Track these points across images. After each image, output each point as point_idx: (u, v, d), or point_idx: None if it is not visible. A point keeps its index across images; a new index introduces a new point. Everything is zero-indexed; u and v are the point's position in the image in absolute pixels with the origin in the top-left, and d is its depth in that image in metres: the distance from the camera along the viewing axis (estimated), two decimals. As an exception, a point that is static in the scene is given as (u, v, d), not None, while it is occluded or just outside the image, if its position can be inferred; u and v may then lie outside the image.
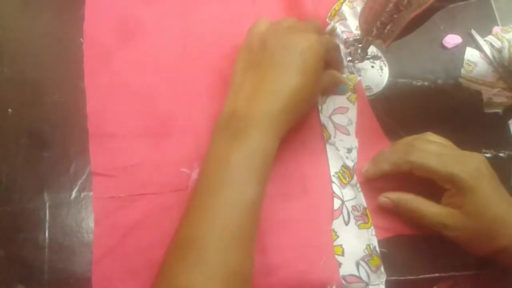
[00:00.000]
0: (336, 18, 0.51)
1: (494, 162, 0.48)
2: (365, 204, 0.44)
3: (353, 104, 0.48)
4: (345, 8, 0.51)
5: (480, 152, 0.50)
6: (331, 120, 0.47)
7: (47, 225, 0.41)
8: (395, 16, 0.40)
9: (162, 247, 0.40)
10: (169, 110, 0.46)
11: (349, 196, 0.45)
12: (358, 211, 0.44)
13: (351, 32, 0.51)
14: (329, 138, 0.46)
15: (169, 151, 0.44)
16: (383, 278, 0.42)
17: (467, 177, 0.39)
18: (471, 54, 0.55)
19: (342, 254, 0.42)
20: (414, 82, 0.52)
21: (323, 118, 0.47)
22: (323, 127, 0.47)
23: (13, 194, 0.41)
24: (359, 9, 0.51)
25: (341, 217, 0.44)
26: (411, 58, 0.53)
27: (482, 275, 0.44)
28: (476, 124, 0.52)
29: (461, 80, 0.54)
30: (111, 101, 0.45)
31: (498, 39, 0.55)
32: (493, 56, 0.54)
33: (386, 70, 0.52)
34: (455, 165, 0.40)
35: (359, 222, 0.44)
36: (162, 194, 0.42)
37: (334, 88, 0.47)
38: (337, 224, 0.43)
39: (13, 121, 0.44)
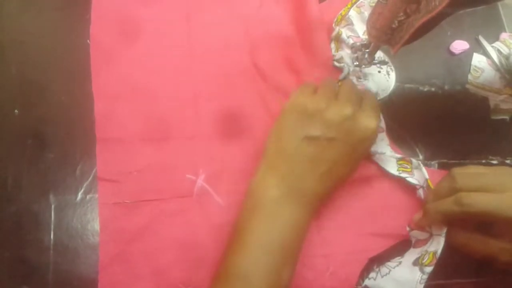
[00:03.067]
0: (343, 23, 0.51)
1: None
2: (427, 175, 0.44)
3: None
4: (352, 13, 0.51)
5: (486, 159, 0.50)
6: None
7: (52, 226, 0.41)
8: (404, 22, 0.40)
9: (168, 252, 0.41)
10: (175, 115, 0.46)
11: (421, 178, 0.45)
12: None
13: (358, 37, 0.51)
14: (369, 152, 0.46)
15: (175, 157, 0.44)
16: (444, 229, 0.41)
17: None
18: (478, 60, 0.55)
19: None
20: (421, 88, 0.52)
21: None
22: None
23: (19, 195, 0.42)
24: (366, 14, 0.51)
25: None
26: (418, 63, 0.53)
27: (485, 281, 0.44)
28: (482, 130, 0.51)
29: (468, 86, 0.53)
30: (118, 106, 0.45)
31: (506, 45, 0.55)
32: (500, 63, 0.54)
33: (393, 75, 0.52)
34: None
35: None
36: (167, 200, 0.42)
37: None
38: None
39: (19, 122, 0.44)
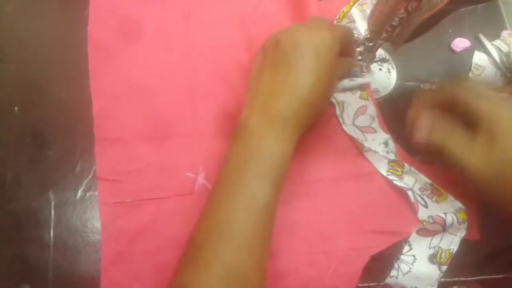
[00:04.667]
0: (345, 20, 0.51)
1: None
2: (429, 180, 0.44)
3: (368, 100, 0.48)
4: (355, 11, 0.51)
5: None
6: (355, 126, 0.47)
7: (52, 224, 0.41)
8: (405, 19, 0.40)
9: (169, 251, 0.40)
10: (174, 114, 0.46)
11: (411, 182, 0.45)
12: (427, 190, 0.45)
13: (360, 35, 0.50)
14: (363, 147, 0.46)
15: (175, 155, 0.44)
16: (462, 233, 0.43)
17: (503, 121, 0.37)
18: (479, 58, 0.54)
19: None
20: (422, 85, 0.52)
21: (348, 128, 0.47)
22: (353, 139, 0.47)
23: (18, 193, 0.42)
24: (369, 12, 0.50)
25: (419, 205, 0.44)
26: (419, 61, 0.53)
27: (493, 280, 0.44)
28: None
29: (469, 84, 0.53)
30: (116, 105, 0.45)
31: (506, 43, 0.55)
32: (501, 60, 0.54)
33: (394, 73, 0.52)
34: (495, 105, 0.38)
35: (434, 198, 0.44)
36: (168, 199, 0.42)
37: (348, 73, 0.47)
38: (421, 212, 0.44)
39: (19, 120, 0.44)
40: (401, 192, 0.45)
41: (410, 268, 0.42)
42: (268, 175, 0.37)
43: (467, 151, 0.38)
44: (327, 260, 0.42)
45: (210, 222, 0.36)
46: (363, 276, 0.42)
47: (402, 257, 0.43)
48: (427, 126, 0.41)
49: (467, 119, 0.39)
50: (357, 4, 0.51)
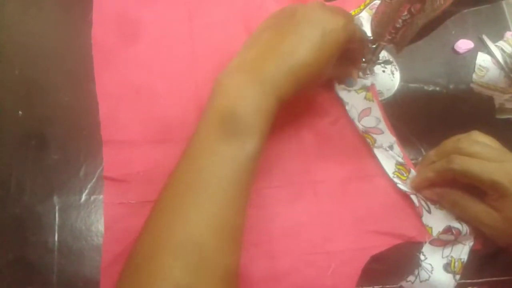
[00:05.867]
0: (352, 23, 0.51)
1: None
2: None
3: (373, 101, 0.48)
4: (364, 15, 0.51)
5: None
6: (362, 125, 0.47)
7: (56, 228, 0.41)
8: (408, 21, 0.40)
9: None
10: (180, 116, 0.46)
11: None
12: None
13: (369, 37, 0.50)
14: (374, 142, 0.46)
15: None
16: (471, 243, 0.43)
17: (509, 184, 0.39)
18: (482, 59, 0.54)
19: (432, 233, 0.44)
20: (426, 87, 0.52)
21: (358, 125, 0.47)
22: (364, 134, 0.47)
23: (23, 197, 0.42)
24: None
25: (423, 210, 0.44)
26: (422, 62, 0.53)
27: (500, 282, 0.44)
28: (487, 130, 0.51)
29: (472, 85, 0.53)
30: (122, 108, 0.45)
31: (509, 44, 0.55)
32: (505, 62, 0.54)
33: (397, 74, 0.51)
34: (497, 171, 0.40)
35: (437, 205, 0.45)
36: None
37: (344, 77, 0.48)
38: (425, 218, 0.44)
39: (23, 123, 0.44)
40: (406, 196, 0.45)
41: (430, 276, 0.42)
42: (257, 124, 0.37)
43: (485, 215, 0.41)
44: (327, 260, 0.42)
45: (188, 176, 0.36)
46: (377, 279, 0.42)
47: (423, 264, 0.43)
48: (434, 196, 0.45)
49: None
50: (368, 8, 0.50)
